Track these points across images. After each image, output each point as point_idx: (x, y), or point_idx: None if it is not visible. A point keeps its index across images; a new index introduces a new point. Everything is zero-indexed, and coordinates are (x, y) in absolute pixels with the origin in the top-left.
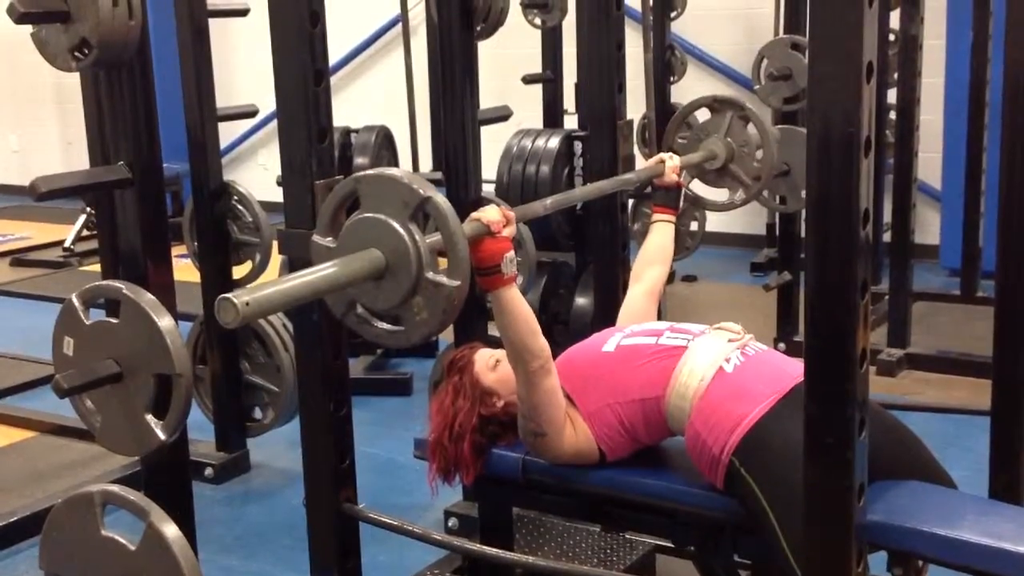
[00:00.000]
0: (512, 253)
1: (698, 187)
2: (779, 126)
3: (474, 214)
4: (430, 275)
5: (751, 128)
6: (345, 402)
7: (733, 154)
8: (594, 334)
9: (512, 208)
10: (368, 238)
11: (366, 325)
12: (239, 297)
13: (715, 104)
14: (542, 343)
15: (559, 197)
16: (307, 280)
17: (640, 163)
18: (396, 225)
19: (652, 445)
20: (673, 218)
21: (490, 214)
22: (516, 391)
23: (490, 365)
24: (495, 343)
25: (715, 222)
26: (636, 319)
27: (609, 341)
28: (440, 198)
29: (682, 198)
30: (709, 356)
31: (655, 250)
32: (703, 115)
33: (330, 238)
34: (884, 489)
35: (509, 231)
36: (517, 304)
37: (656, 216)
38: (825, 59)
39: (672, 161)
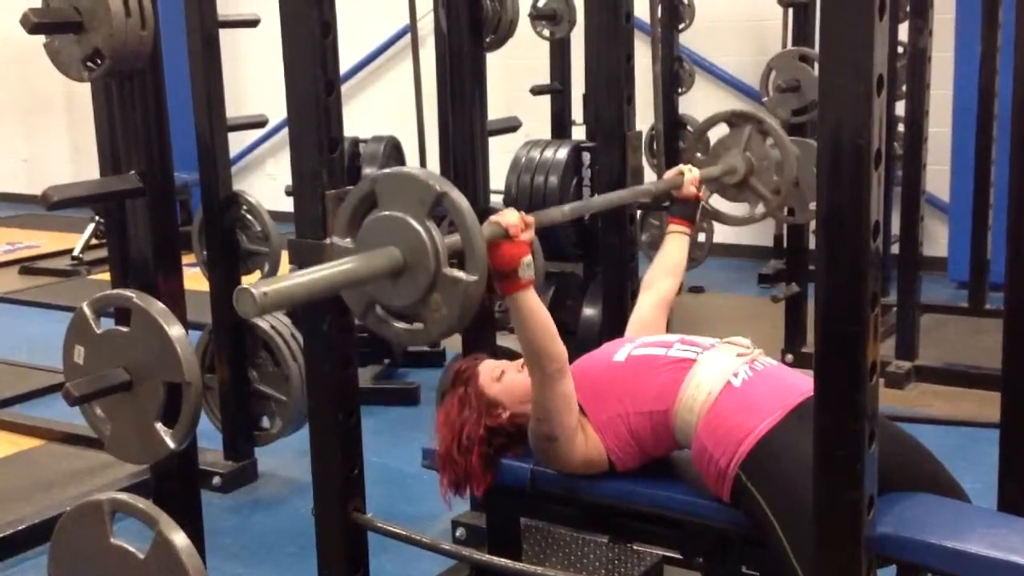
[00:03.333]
0: (530, 257)
1: (717, 202)
2: (792, 138)
3: (493, 217)
4: (448, 271)
5: (770, 142)
6: (354, 412)
7: (752, 168)
8: (604, 344)
9: (530, 213)
10: (386, 236)
11: (385, 325)
12: (258, 288)
13: (734, 119)
14: (560, 347)
15: (577, 205)
16: (325, 274)
17: (649, 174)
18: (413, 222)
19: (660, 458)
20: (689, 231)
21: (509, 217)
22: (523, 402)
23: (495, 376)
24: (504, 353)
25: (723, 233)
26: (646, 329)
27: (620, 351)
28: (456, 194)
29: (699, 211)
30: (717, 370)
31: (668, 261)
32: (719, 129)
33: (348, 239)
34: (893, 501)
35: (527, 235)
36: (535, 308)
37: (672, 228)
38: (835, 72)
39: (691, 174)
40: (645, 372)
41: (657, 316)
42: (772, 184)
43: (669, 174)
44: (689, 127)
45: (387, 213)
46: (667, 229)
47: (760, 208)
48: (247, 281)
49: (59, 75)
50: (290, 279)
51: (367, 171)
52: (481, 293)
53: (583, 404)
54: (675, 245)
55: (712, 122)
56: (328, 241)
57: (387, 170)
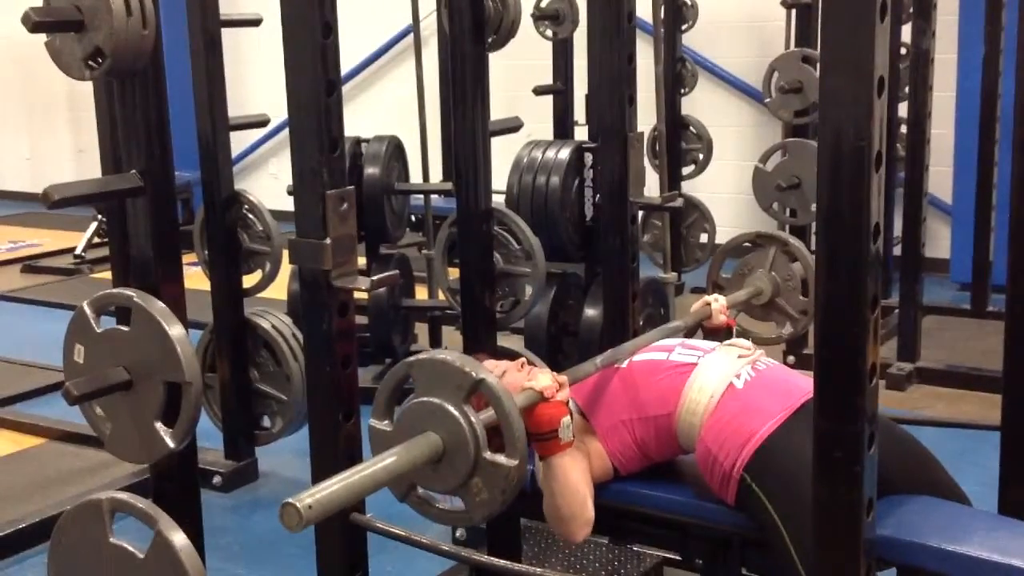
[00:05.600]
0: (569, 418)
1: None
2: (790, 139)
3: (526, 384)
4: (488, 456)
5: (796, 263)
6: (354, 412)
7: (779, 289)
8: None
9: (563, 372)
10: (424, 422)
11: (427, 507)
12: (301, 501)
13: (758, 239)
14: (590, 513)
15: (608, 356)
16: (368, 474)
17: (651, 175)
18: (452, 409)
19: (664, 462)
20: None
21: (543, 381)
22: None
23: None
24: (505, 354)
25: (725, 235)
26: None
27: None
28: (492, 380)
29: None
30: (719, 372)
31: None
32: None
33: (387, 421)
34: (894, 504)
35: (563, 395)
36: (569, 471)
37: None
38: (836, 73)
39: (718, 303)
40: (647, 378)
41: None
42: (799, 304)
43: (697, 306)
44: (692, 128)
45: (425, 399)
46: None
47: (788, 327)
48: (249, 281)
49: (62, 74)
50: (333, 486)
51: (369, 170)
52: (523, 476)
53: (586, 412)
54: None
55: (735, 243)
56: (371, 424)
57: (423, 356)
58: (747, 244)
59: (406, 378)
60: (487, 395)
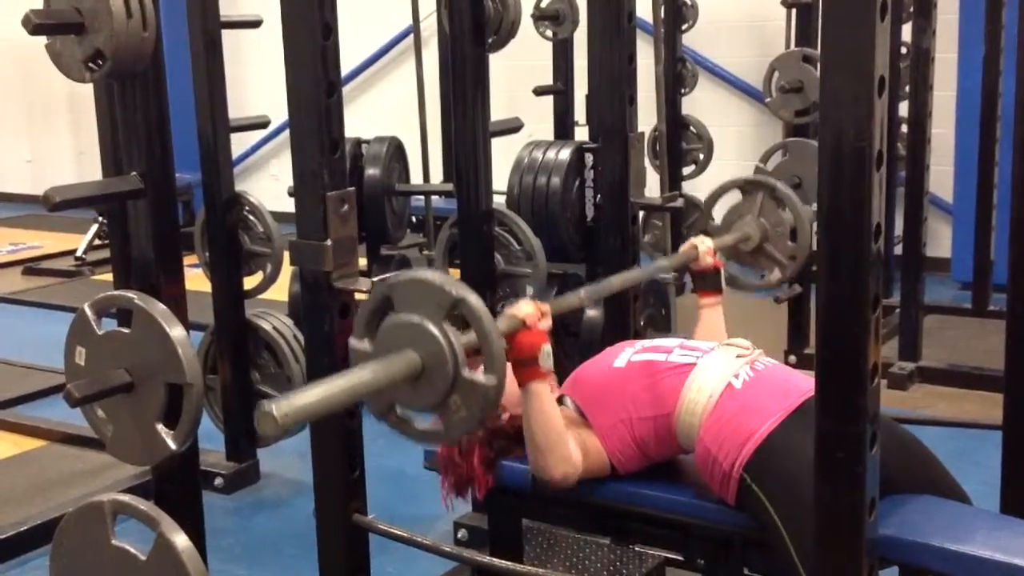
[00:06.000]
0: (549, 347)
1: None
2: (791, 139)
3: (508, 310)
4: (466, 374)
5: (784, 209)
6: (355, 413)
7: (767, 235)
8: (606, 349)
9: (546, 302)
10: (404, 340)
11: (406, 425)
12: (279, 408)
13: (747, 186)
14: (563, 450)
15: (592, 289)
16: (345, 385)
17: (651, 176)
18: (431, 327)
19: (663, 461)
20: (719, 300)
21: (525, 309)
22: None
23: None
24: None
25: None
26: None
27: (620, 356)
28: (474, 298)
29: (723, 279)
30: (718, 372)
31: (711, 334)
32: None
33: (366, 340)
34: (896, 503)
35: (545, 324)
36: (546, 400)
37: (702, 301)
38: (837, 73)
39: (704, 244)
40: (646, 377)
41: None
42: (787, 250)
43: (684, 248)
44: (692, 128)
45: (404, 317)
46: (698, 304)
47: (776, 274)
48: (250, 282)
49: (62, 76)
50: (309, 394)
51: (370, 171)
52: (501, 394)
53: (585, 411)
54: (712, 317)
55: (723, 191)
56: (351, 342)
57: (403, 275)
58: (738, 191)
59: (387, 299)
60: (467, 314)
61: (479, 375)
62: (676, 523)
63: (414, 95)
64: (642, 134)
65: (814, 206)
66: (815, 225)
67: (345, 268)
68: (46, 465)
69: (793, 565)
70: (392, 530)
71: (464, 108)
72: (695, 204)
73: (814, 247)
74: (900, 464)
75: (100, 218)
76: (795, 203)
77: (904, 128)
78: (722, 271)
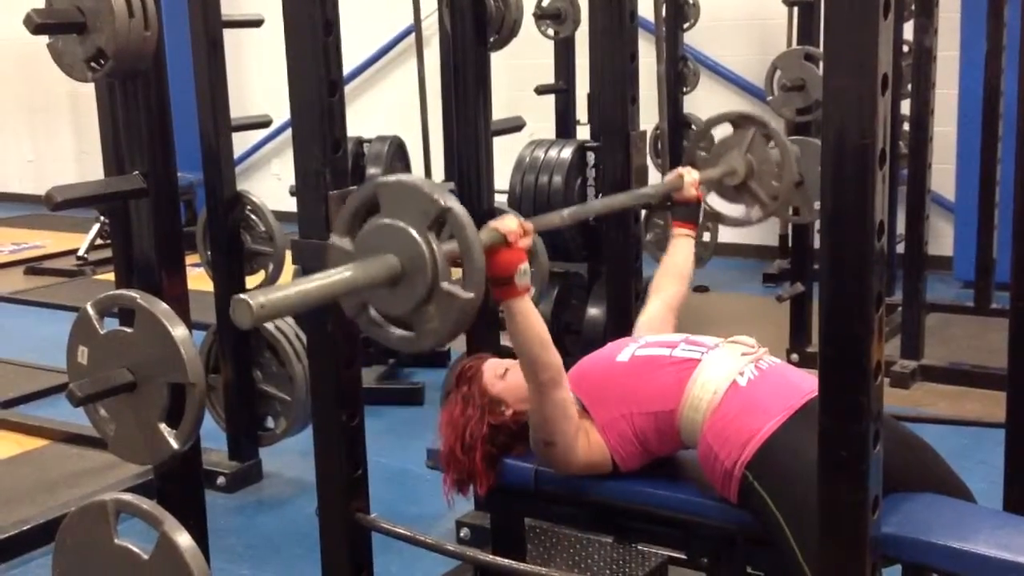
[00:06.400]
0: (527, 265)
1: (716, 202)
2: (793, 137)
3: (491, 222)
4: (445, 285)
5: (772, 146)
6: (357, 412)
7: (753, 171)
8: (608, 343)
9: (529, 219)
10: (385, 243)
11: (377, 328)
12: (254, 298)
13: (739, 120)
14: (552, 356)
15: (576, 209)
16: (323, 283)
17: (653, 174)
18: (414, 233)
19: (664, 457)
20: (693, 232)
21: (508, 223)
22: (526, 399)
23: (499, 374)
24: (508, 354)
25: (727, 233)
26: (653, 330)
27: (623, 351)
28: (459, 209)
29: (701, 212)
30: (723, 370)
31: (675, 266)
32: (723, 129)
33: (348, 239)
34: (898, 501)
35: (525, 242)
36: (529, 316)
37: (676, 231)
38: (840, 71)
39: (691, 176)
40: (649, 372)
41: (665, 317)
42: (771, 189)
43: (669, 176)
44: (693, 126)
45: (388, 221)
46: (671, 233)
47: (757, 211)
48: (252, 282)
49: (65, 76)
50: (286, 288)
51: (371, 171)
52: (476, 309)
53: (587, 405)
54: (681, 248)
55: (716, 121)
56: (331, 239)
57: (392, 177)
58: (729, 124)
59: (373, 197)
60: (452, 224)
61: (457, 288)
62: (679, 521)
63: (416, 94)
64: (644, 133)
65: (817, 204)
66: (799, 164)
67: None
68: (49, 464)
69: (797, 563)
70: (395, 529)
71: (466, 107)
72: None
73: (802, 180)
74: (903, 462)
75: (102, 218)
76: (783, 140)
77: (906, 126)
78: (703, 204)
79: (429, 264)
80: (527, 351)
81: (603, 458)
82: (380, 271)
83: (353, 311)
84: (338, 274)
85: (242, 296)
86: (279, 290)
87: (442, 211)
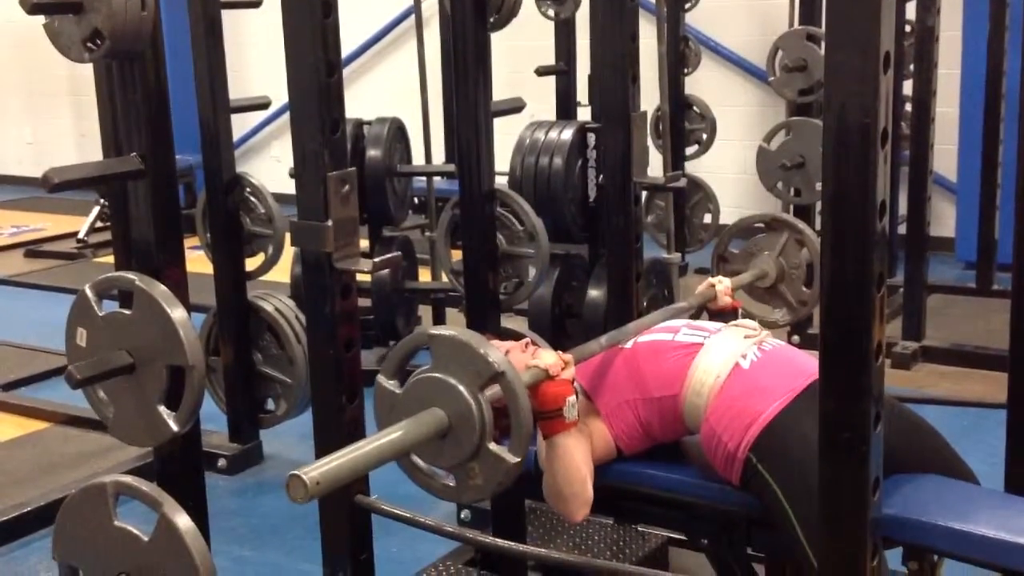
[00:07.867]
0: (574, 397)
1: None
2: (794, 118)
3: (531, 360)
4: (492, 447)
5: (804, 251)
6: (357, 394)
7: (784, 275)
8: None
9: (568, 351)
10: (435, 397)
11: (420, 474)
12: (308, 475)
13: (773, 223)
14: (588, 494)
15: (613, 334)
16: (375, 449)
17: (654, 156)
18: (466, 394)
19: (668, 442)
20: None
21: (547, 359)
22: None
23: None
24: (509, 335)
25: (729, 215)
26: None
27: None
28: (512, 374)
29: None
30: (725, 353)
31: None
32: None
33: (395, 381)
34: (900, 483)
35: (568, 373)
36: (575, 452)
37: None
38: (842, 50)
39: (722, 284)
40: (652, 358)
41: None
42: (800, 294)
43: (701, 288)
44: (695, 108)
45: (440, 376)
46: None
47: (784, 314)
48: (251, 264)
49: (63, 58)
50: (338, 458)
51: (371, 152)
52: (518, 472)
53: (590, 392)
54: None
55: (750, 222)
56: (379, 379)
57: (447, 332)
58: (759, 225)
59: (423, 346)
60: (504, 388)
61: (504, 451)
62: (680, 503)
63: (415, 76)
64: (645, 114)
65: (819, 185)
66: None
67: (346, 249)
68: (48, 447)
69: (799, 545)
70: (395, 511)
71: (466, 88)
72: (698, 184)
73: (804, 162)
74: (904, 444)
75: (102, 200)
76: (815, 246)
77: (908, 107)
78: (740, 311)
79: (478, 425)
80: (563, 488)
81: (608, 450)
82: (429, 429)
83: (406, 465)
84: (388, 436)
85: (297, 473)
86: (332, 462)
87: (495, 375)
